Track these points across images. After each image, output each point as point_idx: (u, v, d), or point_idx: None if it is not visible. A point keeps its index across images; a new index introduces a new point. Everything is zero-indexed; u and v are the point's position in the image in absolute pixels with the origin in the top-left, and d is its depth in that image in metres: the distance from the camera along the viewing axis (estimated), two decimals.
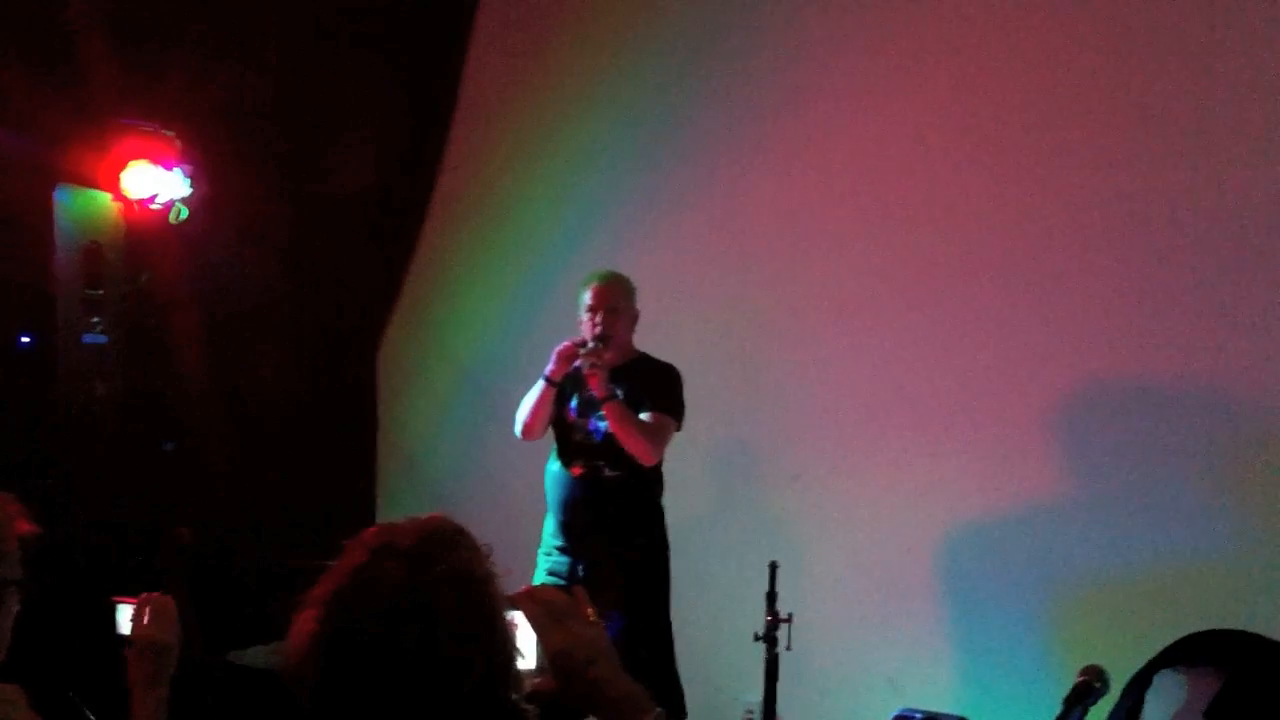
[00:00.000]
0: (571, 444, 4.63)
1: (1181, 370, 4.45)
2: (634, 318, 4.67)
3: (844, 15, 5.21)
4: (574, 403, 4.63)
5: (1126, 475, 4.50)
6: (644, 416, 4.49)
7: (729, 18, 5.49)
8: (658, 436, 4.51)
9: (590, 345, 4.46)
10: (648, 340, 4.71)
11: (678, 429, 4.60)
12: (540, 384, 4.56)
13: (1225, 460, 4.33)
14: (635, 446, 4.46)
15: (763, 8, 5.40)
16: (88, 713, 3.04)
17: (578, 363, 4.46)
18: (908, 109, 5.04)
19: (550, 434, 4.71)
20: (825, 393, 5.22)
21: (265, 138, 5.59)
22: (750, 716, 4.99)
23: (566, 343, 4.51)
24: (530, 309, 5.93)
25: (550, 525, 4.66)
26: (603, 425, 4.51)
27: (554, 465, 4.67)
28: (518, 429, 4.67)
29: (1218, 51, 4.37)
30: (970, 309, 4.87)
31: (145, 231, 5.10)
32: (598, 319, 4.51)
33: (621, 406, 4.44)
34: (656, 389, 4.58)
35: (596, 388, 4.42)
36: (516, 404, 4.69)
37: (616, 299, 4.57)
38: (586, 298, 4.57)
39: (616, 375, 4.51)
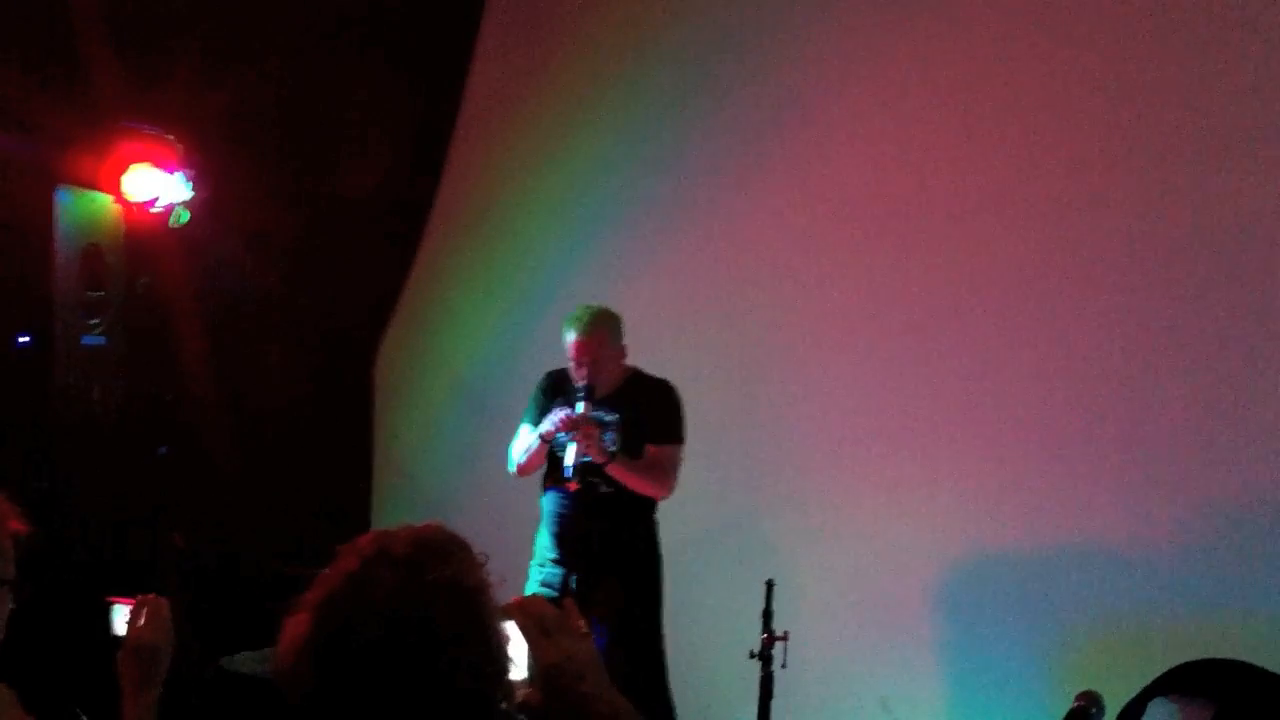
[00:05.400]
0: (565, 464, 4.60)
1: (1176, 399, 4.44)
2: (620, 355, 4.60)
3: (844, 38, 5.22)
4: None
5: (1122, 502, 4.49)
6: (650, 449, 4.50)
7: (732, 36, 5.50)
8: (667, 472, 4.52)
9: (580, 410, 4.40)
10: (645, 358, 4.68)
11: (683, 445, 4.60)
12: (536, 440, 4.54)
13: (1219, 488, 4.33)
14: (649, 489, 4.52)
15: (766, 29, 5.41)
16: (80, 713, 3.03)
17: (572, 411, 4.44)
18: (910, 131, 5.05)
19: None
20: (823, 413, 5.22)
21: (267, 142, 5.60)
22: None
23: (561, 417, 4.42)
24: (527, 322, 5.93)
25: (544, 538, 4.66)
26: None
27: (549, 480, 4.66)
28: (511, 468, 4.66)
29: (1213, 81, 4.38)
30: (970, 333, 4.87)
31: (145, 235, 5.10)
32: (582, 372, 4.48)
33: (623, 464, 4.44)
34: (656, 415, 4.57)
35: (594, 457, 4.38)
36: (512, 415, 4.73)
37: (597, 349, 4.48)
38: (569, 346, 4.50)
39: (611, 400, 4.52)
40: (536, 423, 4.56)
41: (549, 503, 4.65)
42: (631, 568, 4.61)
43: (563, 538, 4.60)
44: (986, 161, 4.87)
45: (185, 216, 5.02)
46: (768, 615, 4.10)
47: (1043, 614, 4.64)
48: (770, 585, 4.11)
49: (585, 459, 4.40)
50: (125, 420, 5.16)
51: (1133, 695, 4.04)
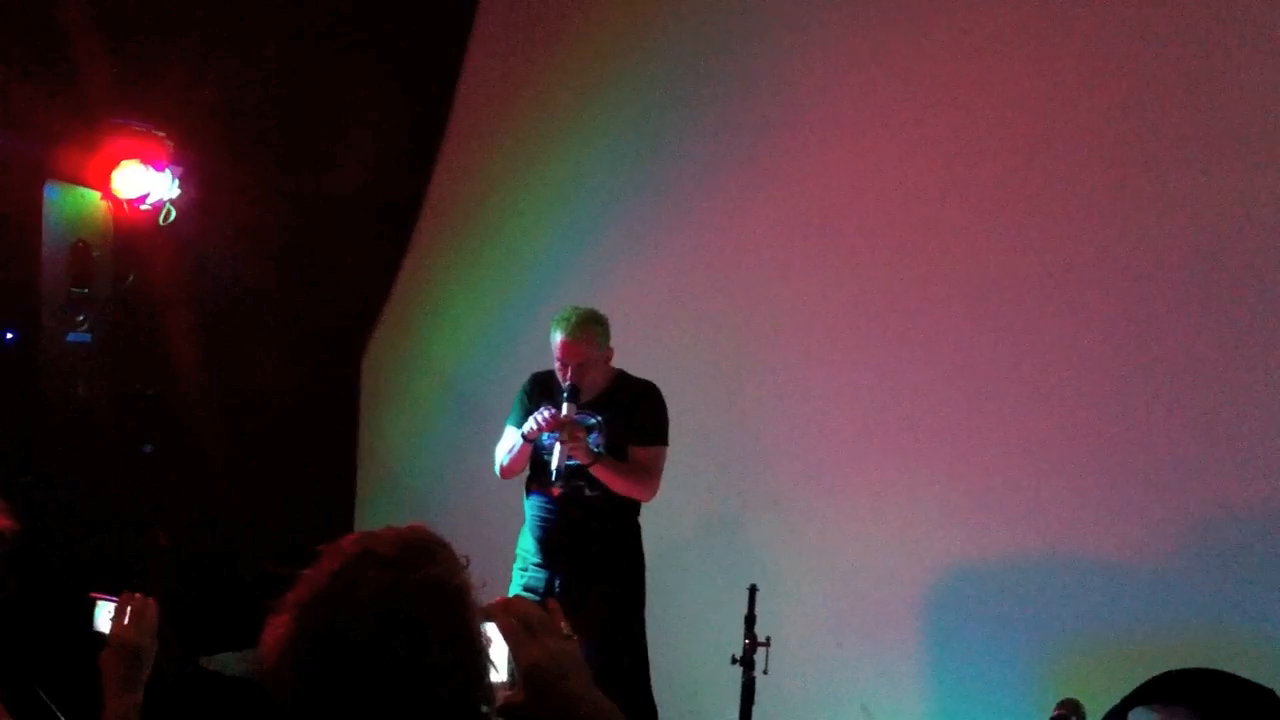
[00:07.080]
0: (551, 466, 4.59)
1: (1159, 410, 4.44)
2: (608, 358, 4.56)
3: (832, 40, 5.22)
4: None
5: (1106, 510, 4.49)
6: (634, 452, 4.49)
7: (720, 40, 5.50)
8: (652, 474, 4.52)
9: (564, 411, 4.37)
10: (631, 360, 4.68)
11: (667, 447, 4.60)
12: (519, 441, 4.52)
13: (1201, 498, 4.33)
14: (633, 492, 4.50)
15: (754, 32, 5.41)
16: (57, 712, 3.02)
17: (555, 411, 4.42)
18: (900, 134, 5.03)
19: None
20: (808, 418, 5.21)
21: (257, 140, 5.59)
22: None
23: (547, 416, 4.38)
24: (515, 323, 5.92)
25: (527, 542, 4.65)
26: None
27: (533, 484, 4.65)
28: (497, 471, 4.65)
29: (1207, 83, 4.39)
30: (956, 340, 4.86)
31: (134, 231, 5.10)
32: (568, 373, 4.45)
33: (608, 465, 4.42)
34: (641, 417, 4.55)
35: (580, 458, 4.38)
36: (498, 415, 4.71)
37: (584, 351, 4.43)
38: (555, 346, 4.46)
39: (597, 403, 4.51)
40: (521, 424, 4.55)
41: (532, 506, 4.63)
42: (615, 571, 4.59)
43: (546, 541, 4.58)
44: (975, 166, 4.86)
45: (173, 214, 5.02)
46: (750, 620, 4.09)
47: (1025, 621, 4.64)
48: (753, 590, 4.10)
49: (571, 462, 4.40)
50: (110, 417, 5.15)
51: (1113, 704, 4.05)
